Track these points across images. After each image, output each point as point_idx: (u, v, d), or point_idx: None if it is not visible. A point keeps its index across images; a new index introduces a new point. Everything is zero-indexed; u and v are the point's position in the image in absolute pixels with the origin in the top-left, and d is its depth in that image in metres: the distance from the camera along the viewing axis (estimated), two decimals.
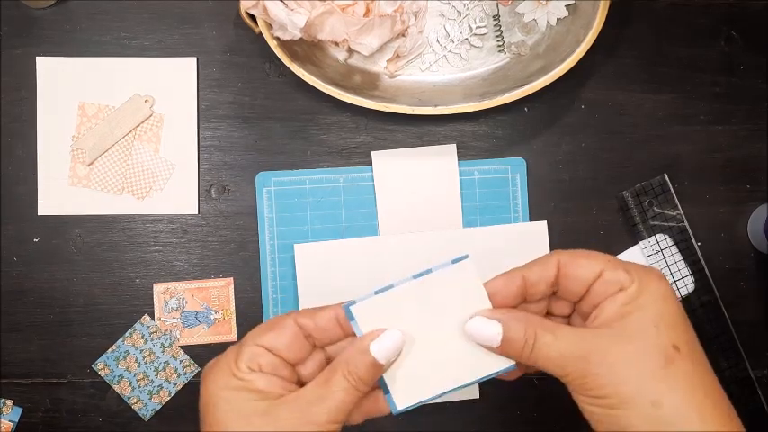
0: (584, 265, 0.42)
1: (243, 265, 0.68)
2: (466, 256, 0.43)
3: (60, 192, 0.68)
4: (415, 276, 0.43)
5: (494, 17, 0.68)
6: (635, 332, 0.40)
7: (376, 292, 0.43)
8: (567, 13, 0.67)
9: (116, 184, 0.68)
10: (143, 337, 0.68)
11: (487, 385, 0.68)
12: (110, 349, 0.68)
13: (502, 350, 0.42)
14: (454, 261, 0.44)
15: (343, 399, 0.42)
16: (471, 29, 0.68)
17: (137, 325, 0.68)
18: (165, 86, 0.68)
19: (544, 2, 0.68)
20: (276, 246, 0.68)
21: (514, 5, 0.68)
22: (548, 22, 0.68)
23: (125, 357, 0.68)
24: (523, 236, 0.69)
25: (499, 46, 0.68)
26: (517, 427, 0.69)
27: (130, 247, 0.68)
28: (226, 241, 0.69)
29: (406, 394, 0.44)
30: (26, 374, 0.68)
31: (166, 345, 0.68)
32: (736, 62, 0.70)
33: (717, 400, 0.40)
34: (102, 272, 0.68)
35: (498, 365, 0.43)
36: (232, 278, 0.68)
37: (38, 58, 0.68)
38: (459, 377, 0.43)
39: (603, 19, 0.63)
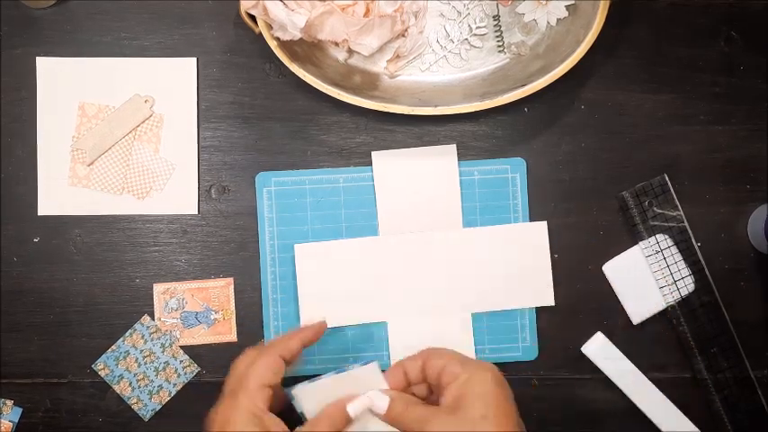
0: (435, 361, 0.57)
1: (243, 265, 0.68)
2: (372, 361, 0.59)
3: (60, 192, 0.68)
4: (337, 372, 0.59)
5: (494, 17, 0.68)
6: (459, 407, 0.54)
7: (310, 381, 0.58)
8: (566, 14, 0.67)
9: (116, 184, 0.68)
10: (143, 337, 0.68)
11: None
12: (110, 349, 0.68)
13: (385, 416, 0.57)
14: (364, 363, 0.59)
15: None
16: (471, 29, 0.68)
17: (137, 325, 0.68)
18: (165, 86, 0.68)
19: (544, 2, 0.68)
20: (276, 246, 0.68)
21: (514, 6, 0.68)
22: (548, 23, 0.68)
23: (125, 357, 0.68)
24: (523, 236, 0.69)
25: (499, 46, 0.68)
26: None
27: (130, 248, 0.68)
28: (226, 241, 0.69)
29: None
30: (26, 374, 0.68)
31: (166, 345, 0.68)
32: (735, 62, 0.70)
33: None
34: (102, 272, 0.68)
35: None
36: (232, 278, 0.68)
37: (38, 58, 0.68)
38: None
39: (603, 19, 0.63)
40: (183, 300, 0.68)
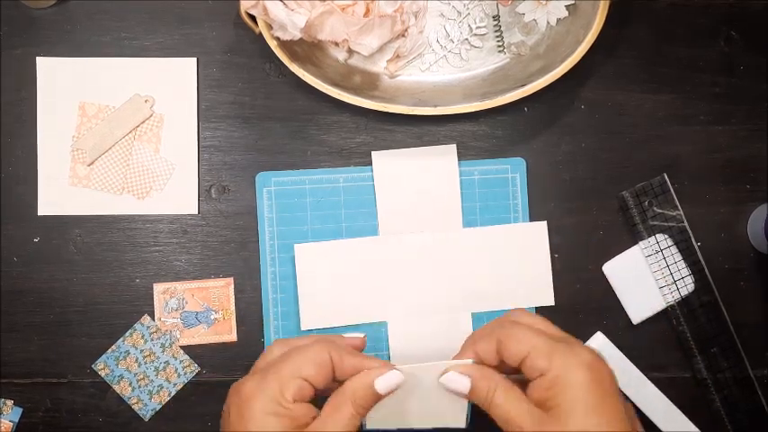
0: (513, 348, 0.48)
1: (243, 265, 0.68)
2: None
3: (60, 192, 0.68)
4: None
5: (494, 17, 0.68)
6: (555, 419, 0.45)
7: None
8: (566, 14, 0.67)
9: (116, 184, 0.68)
10: (143, 337, 0.68)
11: None
12: (110, 349, 0.68)
13: (470, 396, 0.50)
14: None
15: (349, 423, 0.48)
16: (471, 29, 0.68)
17: (137, 325, 0.68)
18: (166, 86, 0.68)
19: (544, 2, 0.68)
20: (276, 246, 0.68)
21: (514, 5, 0.68)
22: (548, 23, 0.68)
23: (125, 357, 0.68)
24: (523, 236, 0.69)
25: (499, 46, 0.69)
26: None
27: (130, 247, 0.68)
28: (226, 241, 0.69)
29: (379, 420, 0.53)
30: (26, 374, 0.68)
31: (166, 345, 0.68)
32: (735, 62, 0.70)
33: None
34: (102, 272, 0.68)
35: (455, 422, 0.53)
36: (232, 278, 0.68)
37: (38, 58, 0.68)
38: (423, 421, 0.53)
39: (603, 19, 0.63)
40: (183, 300, 0.68)
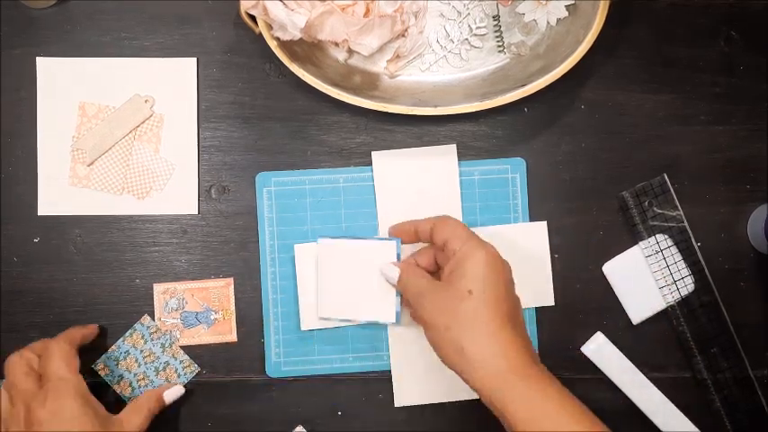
0: (441, 231, 0.62)
1: (243, 265, 0.68)
2: (394, 239, 0.65)
3: (60, 192, 0.68)
4: (360, 238, 0.66)
5: (494, 17, 0.68)
6: (451, 282, 0.59)
7: (333, 238, 0.67)
8: (566, 14, 0.67)
9: (116, 184, 0.68)
10: (143, 337, 0.68)
11: None
12: (110, 349, 0.68)
13: (397, 285, 0.63)
14: (386, 239, 0.66)
15: (145, 424, 0.63)
16: (471, 29, 0.68)
17: (137, 325, 0.68)
18: (166, 87, 0.68)
19: (544, 2, 0.68)
20: (276, 246, 0.68)
21: (514, 6, 0.68)
22: (548, 23, 0.68)
23: (125, 358, 0.68)
24: (523, 236, 0.69)
25: (499, 46, 0.68)
26: None
27: (130, 248, 0.68)
28: (226, 241, 0.69)
29: (327, 315, 0.67)
30: None
31: (166, 345, 0.68)
32: (735, 62, 0.70)
33: (494, 331, 0.57)
34: (102, 272, 0.68)
35: (387, 317, 0.66)
36: (232, 278, 0.68)
37: (38, 59, 0.68)
38: (362, 316, 0.67)
39: (603, 19, 0.63)
40: (183, 300, 0.68)
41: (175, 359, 0.68)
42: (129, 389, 0.68)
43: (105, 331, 0.68)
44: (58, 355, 0.60)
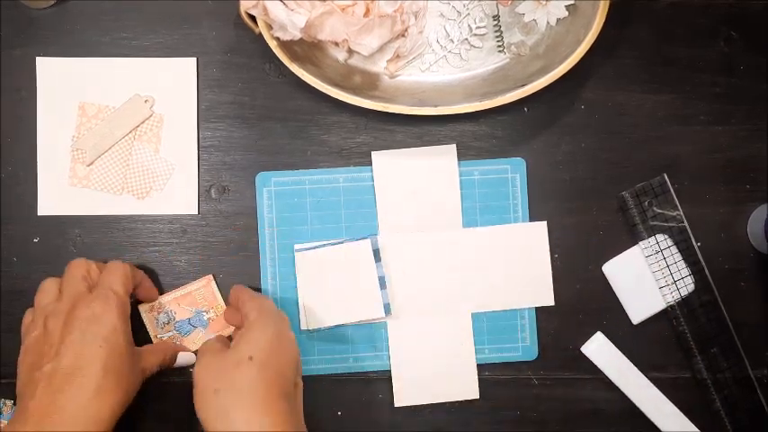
0: (233, 296, 0.64)
1: (243, 265, 0.68)
2: (366, 238, 0.67)
3: (60, 192, 0.68)
4: (334, 243, 0.68)
5: (494, 17, 0.68)
6: (233, 346, 0.59)
7: (309, 247, 0.68)
8: (566, 14, 0.67)
9: (116, 184, 0.68)
10: None
11: (488, 386, 0.68)
12: None
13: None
14: (360, 238, 0.67)
15: (158, 365, 0.64)
16: (471, 29, 0.68)
17: None
18: (165, 87, 0.68)
19: (544, 2, 0.68)
20: (276, 246, 0.68)
21: (514, 6, 0.68)
22: (547, 23, 0.68)
23: None
24: (523, 236, 0.69)
25: (499, 46, 0.68)
26: (517, 427, 0.69)
27: (130, 248, 0.68)
28: (226, 241, 0.69)
29: (313, 322, 0.68)
30: None
31: None
32: (735, 62, 0.70)
33: (269, 403, 0.55)
34: None
35: (375, 313, 0.68)
36: (211, 275, 0.68)
37: (38, 59, 0.68)
38: (351, 317, 0.68)
39: (603, 19, 0.63)
40: (170, 311, 0.68)
41: None
42: None
43: None
44: (118, 273, 0.62)
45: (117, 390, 0.58)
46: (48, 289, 0.63)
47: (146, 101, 0.68)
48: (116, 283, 0.61)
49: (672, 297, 0.68)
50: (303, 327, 0.68)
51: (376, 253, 0.67)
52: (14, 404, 0.67)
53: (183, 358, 0.66)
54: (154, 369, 0.63)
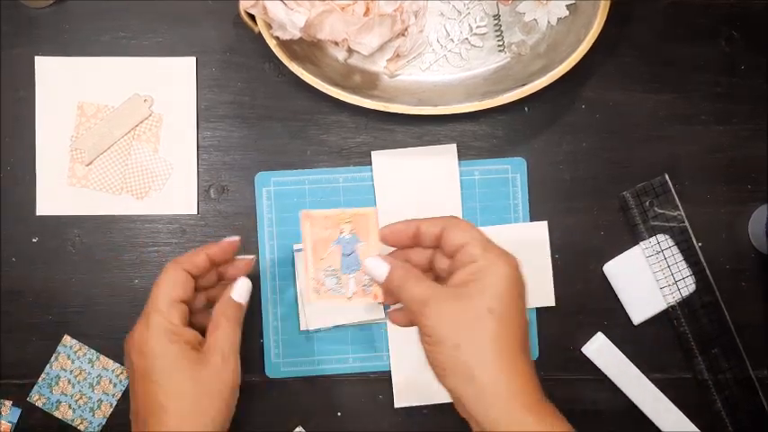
0: (456, 235, 0.54)
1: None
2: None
3: (59, 192, 0.68)
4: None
5: (494, 17, 0.68)
6: (466, 294, 0.51)
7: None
8: (567, 13, 0.67)
9: (115, 184, 0.68)
10: (69, 357, 0.67)
11: None
12: (40, 378, 0.67)
13: (384, 285, 0.55)
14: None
15: (231, 333, 0.57)
16: (471, 28, 0.68)
17: (59, 348, 0.67)
18: (165, 86, 0.68)
19: (544, 1, 0.67)
20: (275, 246, 0.68)
21: (515, 5, 0.68)
22: (548, 22, 0.67)
23: (57, 382, 0.67)
24: (524, 236, 0.68)
25: (499, 46, 0.68)
26: None
27: (129, 248, 0.68)
28: None
29: (313, 321, 0.67)
30: (25, 375, 0.68)
31: (94, 359, 0.67)
32: (737, 62, 0.70)
33: (512, 361, 0.50)
34: (101, 272, 0.68)
35: (375, 315, 0.67)
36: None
37: (37, 58, 0.68)
38: (351, 318, 0.67)
39: (604, 18, 0.63)
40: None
41: (107, 369, 0.67)
42: (70, 411, 0.67)
43: (104, 331, 0.68)
44: (164, 280, 0.57)
45: (197, 415, 0.53)
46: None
47: (145, 100, 0.68)
48: (158, 298, 0.56)
49: (673, 297, 0.68)
50: (303, 327, 0.68)
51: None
52: (13, 404, 0.67)
53: (240, 292, 0.59)
54: (236, 344, 0.57)
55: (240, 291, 0.59)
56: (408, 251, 0.58)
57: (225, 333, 0.57)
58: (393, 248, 0.59)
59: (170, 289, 0.56)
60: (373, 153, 0.69)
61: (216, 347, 0.56)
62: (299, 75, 0.64)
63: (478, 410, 0.50)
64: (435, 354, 0.51)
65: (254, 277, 0.68)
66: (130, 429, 0.57)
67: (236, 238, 0.61)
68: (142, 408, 0.54)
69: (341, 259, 0.59)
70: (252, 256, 0.62)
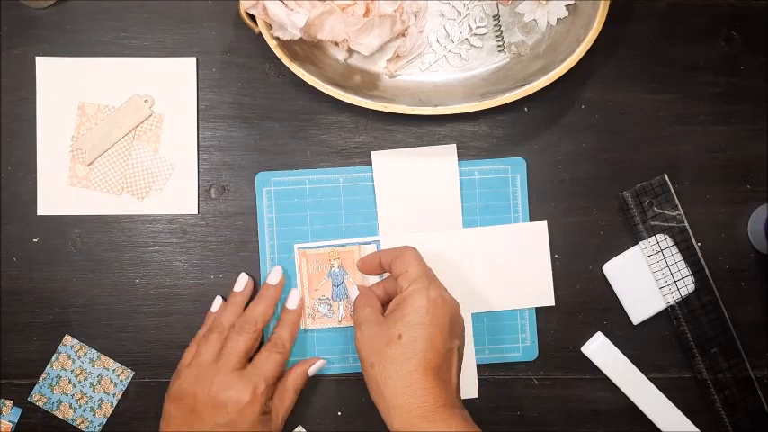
0: (397, 266, 0.63)
1: (243, 266, 0.68)
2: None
3: (60, 192, 0.68)
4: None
5: (494, 17, 0.68)
6: (387, 320, 0.60)
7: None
8: (567, 13, 0.67)
9: (115, 184, 0.68)
10: (70, 357, 0.67)
11: (488, 386, 0.68)
12: (41, 378, 0.67)
13: (353, 306, 0.65)
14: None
15: (293, 405, 0.66)
16: (471, 29, 0.68)
17: (60, 347, 0.67)
18: (165, 86, 0.68)
19: (544, 2, 0.67)
20: (276, 246, 0.68)
21: (514, 5, 0.68)
22: (548, 22, 0.68)
23: (58, 382, 0.67)
24: (523, 236, 0.69)
25: (499, 46, 0.68)
26: (517, 427, 0.69)
27: (130, 248, 0.68)
28: (226, 241, 0.69)
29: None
30: (25, 375, 0.68)
31: (95, 358, 0.67)
32: (736, 62, 0.70)
33: (414, 381, 0.57)
34: (102, 272, 0.68)
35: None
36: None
37: (37, 58, 0.68)
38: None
39: (604, 19, 0.63)
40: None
41: (108, 369, 0.68)
42: (71, 411, 0.67)
43: (105, 331, 0.68)
44: (272, 362, 0.64)
45: None
46: (212, 344, 0.64)
47: (145, 101, 0.68)
48: (268, 377, 0.63)
49: (672, 297, 0.68)
50: (302, 327, 0.68)
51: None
52: (14, 404, 0.67)
53: (315, 369, 0.67)
54: (291, 407, 0.66)
55: (316, 369, 0.67)
56: (378, 283, 0.66)
57: (289, 404, 0.65)
58: (377, 277, 0.68)
59: (275, 372, 0.64)
60: (373, 153, 0.69)
61: (279, 414, 0.65)
62: (299, 75, 0.64)
63: (387, 421, 0.58)
64: (362, 370, 0.60)
65: (255, 277, 0.68)
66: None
67: (280, 271, 0.68)
68: None
69: (331, 289, 0.67)
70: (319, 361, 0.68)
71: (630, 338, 0.69)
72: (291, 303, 0.67)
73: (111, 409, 0.68)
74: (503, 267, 0.68)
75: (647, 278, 0.69)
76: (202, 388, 0.61)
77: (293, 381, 0.66)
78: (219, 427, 0.60)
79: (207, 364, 0.62)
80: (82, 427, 0.67)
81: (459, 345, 0.61)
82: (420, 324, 0.58)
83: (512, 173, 0.69)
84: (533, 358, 0.69)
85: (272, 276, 0.66)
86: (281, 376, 0.65)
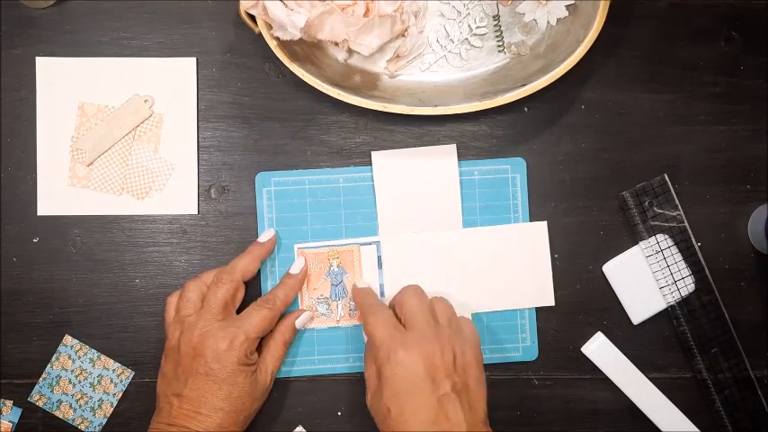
0: (364, 329, 0.63)
1: None
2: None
3: (60, 192, 0.68)
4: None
5: (494, 17, 0.68)
6: (378, 389, 0.59)
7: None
8: (567, 13, 0.67)
9: (115, 184, 0.68)
10: (70, 357, 0.67)
11: (488, 386, 0.68)
12: (41, 378, 0.67)
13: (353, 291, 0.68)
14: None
15: (282, 357, 0.66)
16: (471, 29, 0.68)
17: (60, 348, 0.67)
18: (165, 86, 0.68)
19: (544, 2, 0.67)
20: (276, 246, 0.68)
21: (514, 5, 0.68)
22: (548, 22, 0.68)
23: (58, 382, 0.67)
24: (523, 236, 0.69)
25: (499, 46, 0.68)
26: (517, 427, 0.69)
27: (130, 248, 0.68)
28: (226, 241, 0.69)
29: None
30: (25, 375, 0.68)
31: (95, 358, 0.68)
32: (736, 62, 0.70)
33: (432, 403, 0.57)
34: (102, 272, 0.68)
35: None
36: None
37: (37, 59, 0.68)
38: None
39: (604, 19, 0.63)
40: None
41: (108, 369, 0.68)
42: (71, 411, 0.67)
43: (105, 331, 0.68)
44: (255, 315, 0.64)
45: (238, 422, 0.63)
46: (189, 298, 0.64)
47: (145, 101, 0.68)
48: (249, 330, 0.63)
49: (672, 297, 0.68)
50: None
51: (378, 260, 0.67)
52: (14, 404, 0.68)
53: (302, 321, 0.67)
54: (281, 361, 0.66)
55: (303, 321, 0.67)
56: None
57: (278, 356, 0.65)
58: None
59: (259, 326, 0.63)
60: (373, 153, 0.69)
61: (267, 368, 0.65)
62: (299, 75, 0.64)
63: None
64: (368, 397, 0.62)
65: (255, 277, 0.68)
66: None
67: (272, 232, 0.67)
68: (195, 395, 0.61)
69: (330, 288, 0.67)
70: (272, 233, 0.68)
71: (630, 338, 0.69)
72: (294, 269, 0.67)
73: (112, 409, 0.68)
74: (503, 267, 0.68)
75: (647, 278, 0.69)
76: (184, 339, 0.62)
77: (281, 334, 0.66)
78: (200, 377, 0.61)
79: (190, 318, 0.63)
80: (82, 427, 0.67)
81: (456, 381, 0.58)
82: (396, 393, 0.58)
83: (512, 173, 0.69)
84: (533, 358, 0.69)
85: (264, 235, 0.67)
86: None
